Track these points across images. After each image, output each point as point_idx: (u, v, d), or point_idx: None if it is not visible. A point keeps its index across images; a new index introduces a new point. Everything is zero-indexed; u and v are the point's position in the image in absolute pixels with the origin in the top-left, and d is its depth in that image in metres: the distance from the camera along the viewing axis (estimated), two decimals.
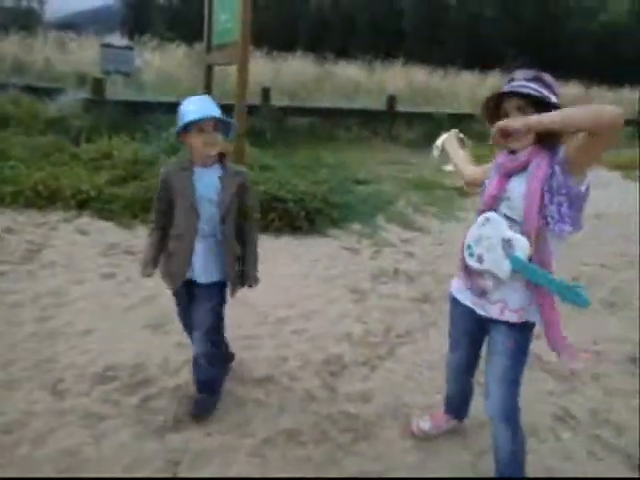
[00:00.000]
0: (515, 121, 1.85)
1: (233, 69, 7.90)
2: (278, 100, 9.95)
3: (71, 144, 6.51)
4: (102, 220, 5.05)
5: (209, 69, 7.15)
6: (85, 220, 5.03)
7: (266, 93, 9.56)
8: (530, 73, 1.97)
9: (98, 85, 7.89)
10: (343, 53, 19.09)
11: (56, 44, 15.16)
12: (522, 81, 1.93)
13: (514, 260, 1.86)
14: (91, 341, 3.18)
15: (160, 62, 14.14)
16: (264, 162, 6.34)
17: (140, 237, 4.83)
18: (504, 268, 1.90)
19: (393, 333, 3.59)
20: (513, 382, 2.07)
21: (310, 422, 2.68)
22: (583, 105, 1.75)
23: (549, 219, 1.83)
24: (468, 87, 15.43)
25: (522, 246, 1.85)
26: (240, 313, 3.64)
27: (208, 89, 7.20)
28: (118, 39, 20.78)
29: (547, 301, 1.91)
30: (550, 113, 1.79)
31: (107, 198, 5.22)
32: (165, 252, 2.55)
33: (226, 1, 6.00)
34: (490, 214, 1.97)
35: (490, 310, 2.04)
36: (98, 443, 2.40)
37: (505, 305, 1.99)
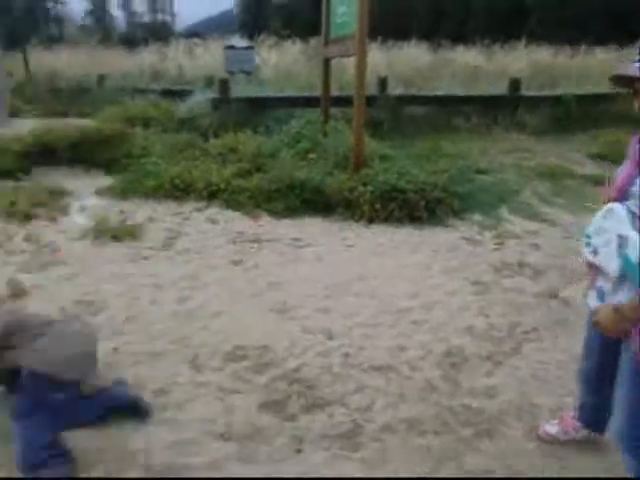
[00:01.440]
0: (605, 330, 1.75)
1: (349, 61, 8.01)
2: (394, 90, 9.88)
3: (201, 140, 6.97)
4: (230, 210, 5.36)
5: (326, 62, 7.28)
6: (214, 210, 5.39)
7: (383, 83, 9.52)
8: None
9: (224, 85, 8.36)
10: (460, 39, 18.42)
11: (186, 51, 16.28)
12: None
13: (625, 260, 1.68)
14: (222, 322, 3.41)
15: (277, 59, 14.64)
16: (382, 152, 6.34)
17: (263, 226, 5.09)
18: (613, 266, 1.72)
19: (519, 329, 3.44)
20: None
21: (431, 413, 2.67)
22: None
23: None
24: (600, 65, 14.23)
25: (636, 246, 1.65)
26: (361, 302, 3.72)
27: (326, 82, 7.36)
28: (238, 41, 21.80)
29: None
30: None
31: (234, 189, 5.53)
32: None
33: None
34: (614, 205, 1.76)
35: None
36: (230, 414, 2.59)
37: None
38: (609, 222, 1.76)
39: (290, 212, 5.34)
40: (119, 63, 14.53)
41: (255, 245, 4.63)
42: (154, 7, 52.38)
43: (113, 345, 3.13)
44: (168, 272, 4.09)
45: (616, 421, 1.92)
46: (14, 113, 8.94)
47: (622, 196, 1.80)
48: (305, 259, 4.42)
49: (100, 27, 38.73)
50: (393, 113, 8.98)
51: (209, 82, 10.15)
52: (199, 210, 5.38)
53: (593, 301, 1.88)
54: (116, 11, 51.75)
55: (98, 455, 2.31)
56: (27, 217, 4.96)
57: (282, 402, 2.70)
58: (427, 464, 2.35)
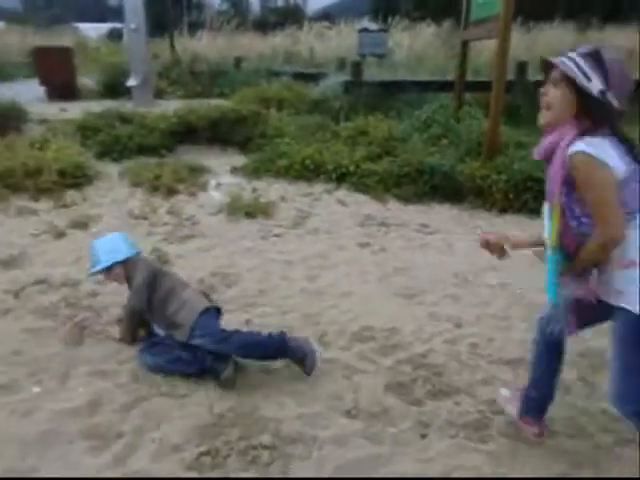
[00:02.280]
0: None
1: (484, 45, 7.66)
2: (533, 74, 9.32)
3: (332, 122, 7.08)
4: (358, 193, 5.42)
5: (464, 45, 7.04)
6: (343, 192, 5.47)
7: (521, 68, 9.05)
8: (591, 48, 1.79)
9: (356, 68, 8.40)
10: (612, 17, 16.88)
11: (317, 35, 16.59)
12: (575, 55, 1.78)
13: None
14: (351, 302, 3.48)
15: (410, 42, 14.42)
16: (518, 140, 6.04)
17: (390, 210, 5.08)
18: None
19: None
20: None
21: (564, 415, 2.53)
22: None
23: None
24: None
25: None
26: (492, 293, 3.61)
27: (462, 66, 7.12)
28: (369, 24, 21.82)
29: None
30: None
31: (363, 172, 5.57)
32: None
33: None
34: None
35: None
36: (357, 393, 2.64)
37: None
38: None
39: (418, 198, 5.28)
40: (254, 46, 15.16)
41: (383, 229, 4.65)
42: None
43: (246, 317, 3.31)
44: (298, 250, 4.23)
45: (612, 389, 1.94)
46: (159, 94, 9.67)
47: None
48: (433, 245, 4.35)
49: (236, 12, 40.57)
50: (531, 99, 8.46)
51: (341, 65, 10.26)
52: (328, 192, 5.49)
53: None
54: None
55: (233, 418, 2.47)
56: (170, 191, 5.37)
57: (408, 386, 2.70)
58: (561, 467, 2.24)
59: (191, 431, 2.37)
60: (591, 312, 1.96)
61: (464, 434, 2.40)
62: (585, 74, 1.76)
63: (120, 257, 2.97)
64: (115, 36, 31.35)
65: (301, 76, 9.95)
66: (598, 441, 2.37)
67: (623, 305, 1.82)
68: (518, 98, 8.20)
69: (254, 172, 5.88)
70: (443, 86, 7.93)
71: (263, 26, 25.24)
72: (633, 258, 1.79)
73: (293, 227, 4.69)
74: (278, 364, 2.82)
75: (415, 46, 13.95)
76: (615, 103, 1.77)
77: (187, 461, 2.22)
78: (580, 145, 1.75)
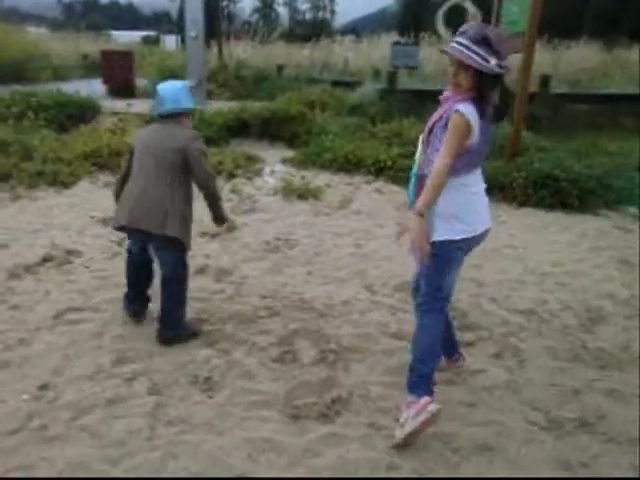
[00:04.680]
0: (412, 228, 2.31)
1: (512, 60, 8.26)
2: (557, 88, 9.99)
3: (369, 124, 7.84)
4: (394, 185, 6.15)
5: None
6: (380, 184, 6.21)
7: (545, 81, 9.71)
8: (477, 33, 2.21)
9: (392, 77, 9.17)
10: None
11: (350, 46, 17.47)
12: (466, 40, 2.22)
13: None
14: (391, 264, 4.20)
15: (438, 56, 15.16)
16: (539, 144, 6.71)
17: None
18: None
19: None
20: None
21: (565, 347, 3.21)
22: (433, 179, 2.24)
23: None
24: None
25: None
26: (509, 264, 4.30)
27: None
28: (396, 38, 22.66)
29: None
30: (423, 200, 2.25)
31: (398, 167, 6.29)
32: None
33: None
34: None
35: None
36: (400, 324, 3.36)
37: None
38: None
39: None
40: (291, 56, 16.05)
41: None
42: (316, 5, 54.97)
43: (307, 270, 4.06)
44: (345, 226, 4.98)
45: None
46: (207, 96, 10.53)
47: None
48: None
49: (265, 24, 41.81)
50: (553, 110, 9.15)
51: (376, 74, 11.04)
52: (368, 182, 6.25)
53: None
54: (281, 8, 55.15)
55: (304, 333, 3.18)
56: (231, 175, 6.18)
57: None
58: (561, 378, 2.92)
59: (274, 338, 3.11)
60: None
61: (482, 354, 3.10)
62: (483, 58, 2.20)
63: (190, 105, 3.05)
64: (148, 42, 32.66)
65: (338, 84, 10.79)
66: (591, 366, 3.04)
67: None
68: (541, 109, 8.88)
69: (302, 163, 6.67)
70: None
71: (292, 38, 26.18)
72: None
73: (339, 209, 5.43)
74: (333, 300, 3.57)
75: (443, 60, 14.66)
76: (507, 66, 2.26)
77: (273, 356, 2.96)
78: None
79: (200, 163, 2.95)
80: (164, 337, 3.03)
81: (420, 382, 2.42)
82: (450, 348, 2.88)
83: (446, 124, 2.29)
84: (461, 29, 2.30)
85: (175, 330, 3.03)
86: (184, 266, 3.07)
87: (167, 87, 3.03)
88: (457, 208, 2.37)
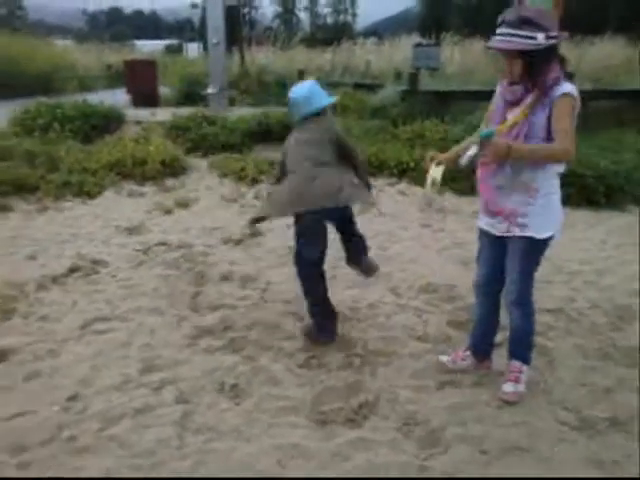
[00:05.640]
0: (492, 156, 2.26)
1: None
2: (581, 85, 9.81)
3: (391, 127, 7.81)
4: (417, 186, 6.10)
5: None
6: (404, 186, 6.19)
7: (568, 78, 9.53)
8: (514, 17, 2.20)
9: (414, 78, 9.11)
10: None
11: (371, 49, 17.47)
12: (507, 28, 2.22)
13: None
14: (416, 266, 4.18)
15: (460, 57, 15.06)
16: None
17: (447, 200, 5.74)
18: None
19: None
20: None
21: (594, 346, 3.15)
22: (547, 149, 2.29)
23: None
24: None
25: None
26: None
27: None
28: (419, 39, 22.60)
29: None
30: (523, 148, 2.27)
31: (421, 169, 6.20)
32: None
33: None
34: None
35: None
36: (426, 326, 3.33)
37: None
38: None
39: (471, 190, 5.91)
40: (312, 60, 16.11)
41: (441, 215, 5.33)
42: (338, 8, 55.17)
43: (332, 274, 4.03)
44: (369, 228, 4.90)
45: (508, 289, 2.60)
46: (230, 102, 10.62)
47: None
48: None
49: (286, 29, 42.12)
50: None
51: (397, 76, 11.00)
52: (391, 184, 6.23)
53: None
54: (302, 13, 55.56)
55: None
56: (254, 180, 6.21)
57: (465, 324, 3.36)
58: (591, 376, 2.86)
59: (299, 344, 3.12)
60: None
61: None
62: (528, 37, 2.20)
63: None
64: (171, 51, 33.17)
65: (359, 86, 10.77)
66: (621, 364, 2.97)
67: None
68: None
69: None
70: (492, 95, 8.52)
71: (313, 42, 26.27)
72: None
73: (362, 212, 5.41)
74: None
75: (465, 60, 14.55)
76: (558, 35, 2.25)
77: (299, 362, 2.96)
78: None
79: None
80: None
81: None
82: (485, 348, 2.89)
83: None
84: (499, 19, 2.30)
85: None
86: None
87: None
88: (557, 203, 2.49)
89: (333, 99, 3.23)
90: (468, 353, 2.90)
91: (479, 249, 2.75)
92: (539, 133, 2.33)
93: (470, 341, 2.90)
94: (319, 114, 3.11)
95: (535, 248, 2.49)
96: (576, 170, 5.61)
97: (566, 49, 13.33)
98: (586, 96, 8.92)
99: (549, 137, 2.31)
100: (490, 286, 2.72)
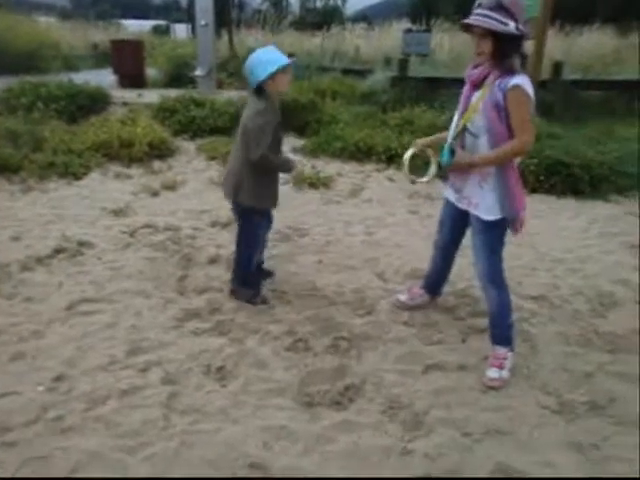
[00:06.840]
0: (462, 159, 2.58)
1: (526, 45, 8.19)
2: (570, 74, 9.85)
3: (380, 112, 7.79)
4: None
5: None
6: (392, 171, 6.19)
7: (557, 68, 9.57)
8: (492, 1, 2.37)
9: (403, 64, 9.08)
10: None
11: (361, 34, 17.36)
12: (484, 10, 2.39)
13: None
14: (402, 252, 4.20)
15: (450, 43, 15.02)
16: (551, 131, 6.64)
17: (434, 187, 5.75)
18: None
19: None
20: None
21: (576, 332, 3.20)
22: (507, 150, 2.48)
23: None
24: None
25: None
26: (521, 250, 4.27)
27: None
28: (408, 25, 22.51)
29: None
30: (486, 156, 2.54)
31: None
32: None
33: None
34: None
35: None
36: (412, 310, 3.35)
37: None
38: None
39: None
40: (302, 44, 15.97)
41: (428, 201, 5.35)
42: None
43: (318, 258, 4.06)
44: (356, 214, 4.97)
45: (477, 270, 2.82)
46: (218, 85, 10.49)
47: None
48: None
49: (275, 12, 41.57)
50: (566, 97, 9.02)
51: (387, 62, 10.94)
52: (379, 170, 6.22)
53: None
54: None
55: (314, 319, 3.19)
56: None
57: (452, 308, 3.41)
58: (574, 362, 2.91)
59: (286, 327, 3.13)
60: None
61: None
62: (501, 22, 2.37)
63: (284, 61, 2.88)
64: (159, 32, 32.60)
65: (349, 72, 10.70)
66: (602, 350, 3.03)
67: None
68: (553, 96, 8.76)
69: (312, 152, 6.65)
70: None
71: (302, 26, 25.99)
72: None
73: (350, 197, 5.42)
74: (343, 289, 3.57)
75: (456, 47, 14.51)
76: (525, 31, 2.43)
77: (286, 345, 2.98)
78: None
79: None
80: None
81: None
82: (437, 290, 3.39)
83: (496, 105, 2.45)
84: (476, 3, 2.48)
85: None
86: None
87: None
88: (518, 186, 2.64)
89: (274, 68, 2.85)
90: (423, 291, 3.37)
91: (441, 215, 3.10)
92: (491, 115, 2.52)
93: (424, 282, 3.38)
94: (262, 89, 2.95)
95: (486, 228, 2.70)
96: (563, 159, 5.66)
97: (555, 38, 13.39)
98: (576, 86, 8.98)
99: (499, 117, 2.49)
100: (447, 248, 3.19)
